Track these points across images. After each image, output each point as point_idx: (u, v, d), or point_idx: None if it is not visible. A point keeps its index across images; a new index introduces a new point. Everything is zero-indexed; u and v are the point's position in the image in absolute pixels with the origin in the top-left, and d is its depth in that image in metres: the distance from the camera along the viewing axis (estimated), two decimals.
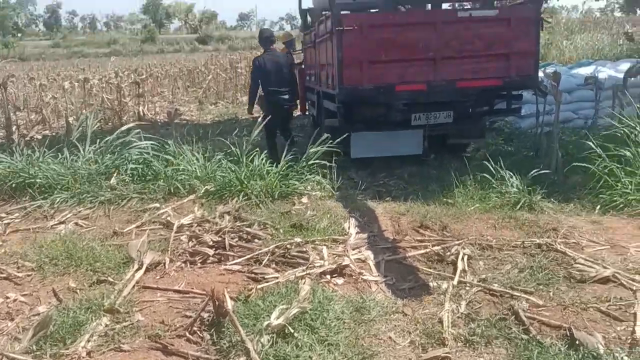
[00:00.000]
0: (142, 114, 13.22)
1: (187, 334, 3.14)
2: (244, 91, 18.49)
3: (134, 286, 3.74)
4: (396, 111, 6.82)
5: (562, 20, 22.15)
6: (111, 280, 3.87)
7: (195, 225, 4.82)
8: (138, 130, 6.96)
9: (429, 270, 3.95)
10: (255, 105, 8.06)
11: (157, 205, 5.43)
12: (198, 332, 3.17)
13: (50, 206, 5.56)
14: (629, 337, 2.96)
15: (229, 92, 18.34)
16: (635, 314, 3.18)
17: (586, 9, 44.15)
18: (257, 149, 6.40)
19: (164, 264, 4.10)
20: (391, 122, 6.97)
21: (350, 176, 6.94)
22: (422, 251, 4.25)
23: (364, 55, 6.40)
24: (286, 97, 7.54)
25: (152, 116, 13.62)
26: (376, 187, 6.58)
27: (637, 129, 5.77)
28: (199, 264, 4.11)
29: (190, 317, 3.30)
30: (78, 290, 3.75)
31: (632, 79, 7.96)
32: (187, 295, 3.65)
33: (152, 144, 6.51)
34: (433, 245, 4.32)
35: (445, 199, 5.60)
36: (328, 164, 6.21)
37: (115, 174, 6.08)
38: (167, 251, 4.29)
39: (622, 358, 2.77)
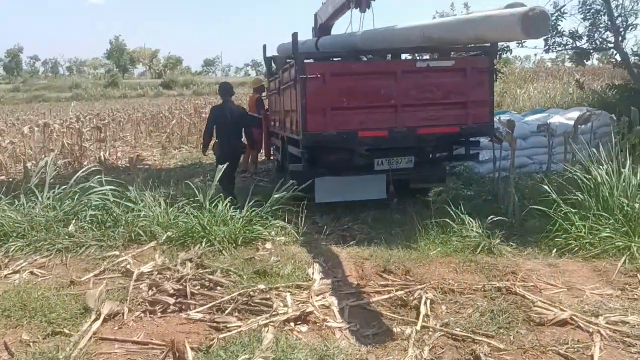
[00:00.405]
0: (103, 159, 13.01)
1: None
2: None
3: (91, 338, 3.60)
4: (359, 157, 6.95)
5: (517, 70, 23.23)
6: (67, 332, 3.72)
7: (156, 273, 4.73)
8: (99, 175, 6.86)
9: (393, 315, 3.96)
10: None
11: (117, 253, 5.31)
12: None
13: (4, 255, 5.37)
14: None
15: (194, 137, 18.30)
16: (592, 356, 3.25)
17: (538, 60, 46.54)
18: (221, 194, 6.38)
19: (123, 314, 3.98)
20: (355, 168, 7.09)
21: (315, 221, 6.96)
22: (386, 296, 4.27)
23: (327, 103, 6.56)
24: (235, 144, 7.87)
25: (114, 161, 13.42)
26: (341, 232, 6.60)
27: (589, 174, 6.01)
28: (159, 314, 4.01)
29: None
30: (32, 343, 3.58)
31: (582, 126, 8.37)
32: (147, 346, 3.54)
33: (112, 189, 6.41)
34: (397, 290, 4.34)
35: (408, 244, 5.66)
36: (293, 209, 6.23)
37: (74, 221, 5.94)
38: (126, 301, 4.18)
39: None
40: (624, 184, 5.65)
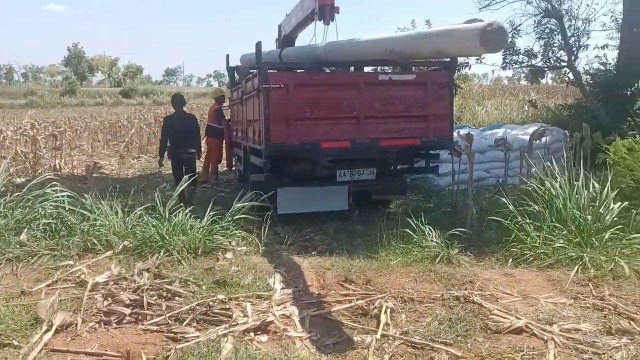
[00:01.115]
0: (59, 167, 12.63)
1: None
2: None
3: (41, 349, 3.46)
4: (322, 167, 6.98)
5: (475, 87, 23.88)
6: (16, 343, 3.55)
7: (112, 283, 4.59)
8: (53, 183, 6.64)
9: (354, 324, 3.96)
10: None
11: (71, 262, 5.13)
12: None
13: None
14: None
15: (153, 146, 17.96)
16: None
17: (496, 77, 48.03)
18: (181, 204, 6.28)
19: (76, 324, 3.83)
20: (317, 178, 7.11)
21: (277, 231, 6.92)
22: (347, 305, 4.27)
23: (290, 113, 6.58)
24: (189, 151, 8.27)
25: (69, 170, 13.04)
26: (302, 243, 6.59)
27: (543, 187, 6.21)
28: (114, 324, 3.89)
29: None
30: None
31: (537, 141, 8.66)
32: (100, 357, 3.43)
33: (68, 196, 6.22)
34: (357, 299, 4.35)
35: (369, 254, 5.70)
36: (255, 218, 6.19)
37: (25, 230, 5.72)
38: (79, 311, 4.03)
39: None
40: (576, 196, 5.85)
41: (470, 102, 18.76)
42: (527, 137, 8.82)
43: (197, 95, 50.81)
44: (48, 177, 7.27)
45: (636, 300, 4.27)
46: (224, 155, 11.57)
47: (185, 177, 6.88)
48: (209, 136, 11.27)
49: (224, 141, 11.16)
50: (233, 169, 11.18)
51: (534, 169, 7.47)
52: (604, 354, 3.45)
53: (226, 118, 11.09)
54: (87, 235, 5.61)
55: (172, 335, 3.73)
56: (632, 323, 3.86)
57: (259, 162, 7.25)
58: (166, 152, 8.28)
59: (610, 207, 5.68)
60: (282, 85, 6.54)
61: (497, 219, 5.95)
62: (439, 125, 7.03)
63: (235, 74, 10.26)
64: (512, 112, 17.61)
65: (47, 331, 3.68)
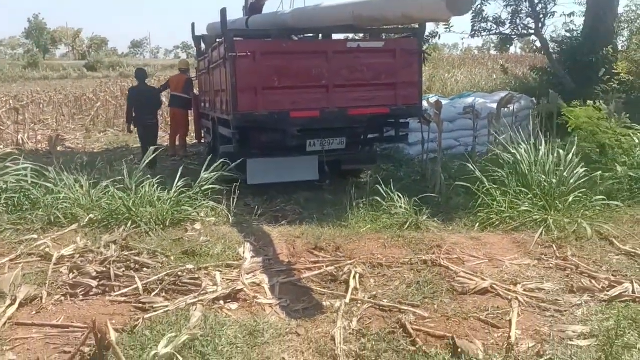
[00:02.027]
0: (21, 141, 12.27)
1: None
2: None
3: (5, 323, 3.39)
4: (291, 137, 6.92)
5: (445, 57, 23.93)
6: None
7: (78, 256, 4.51)
8: (15, 157, 6.44)
9: (323, 290, 3.99)
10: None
11: (35, 236, 5.01)
12: None
13: None
14: (505, 343, 3.17)
15: (120, 119, 17.55)
16: (510, 321, 3.41)
17: (466, 47, 48.23)
18: (148, 176, 6.17)
19: (41, 298, 3.76)
20: (287, 148, 7.07)
21: (247, 202, 6.88)
22: (317, 272, 4.30)
23: (258, 82, 6.48)
24: (151, 119, 9.43)
25: (33, 145, 12.67)
26: (273, 213, 6.58)
27: (509, 153, 6.30)
28: (80, 297, 3.83)
29: (70, 352, 3.05)
30: None
31: (505, 109, 8.75)
32: (67, 330, 3.38)
33: (31, 168, 6.03)
34: (327, 266, 4.38)
35: (339, 222, 5.72)
36: (224, 189, 6.13)
37: None
38: (44, 284, 3.95)
39: None
40: (541, 161, 5.96)
41: (441, 71, 18.82)
42: (496, 105, 8.90)
43: (164, 67, 49.62)
44: (9, 151, 7.04)
45: (597, 260, 4.41)
46: (192, 128, 11.40)
47: (151, 148, 6.81)
48: (174, 106, 11.00)
49: (189, 112, 10.97)
50: (202, 141, 11.03)
51: (502, 137, 7.57)
52: (565, 311, 3.56)
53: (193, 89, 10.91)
54: (51, 208, 5.48)
55: (140, 305, 3.69)
56: (592, 281, 3.98)
57: (227, 133, 7.15)
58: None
59: (575, 171, 5.80)
60: (249, 54, 6.41)
61: (465, 184, 6.02)
62: (408, 93, 7.02)
63: (202, 44, 10.03)
64: (482, 81, 17.74)
65: (10, 305, 3.60)
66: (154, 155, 6.76)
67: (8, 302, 3.64)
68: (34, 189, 5.79)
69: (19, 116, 13.69)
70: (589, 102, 7.78)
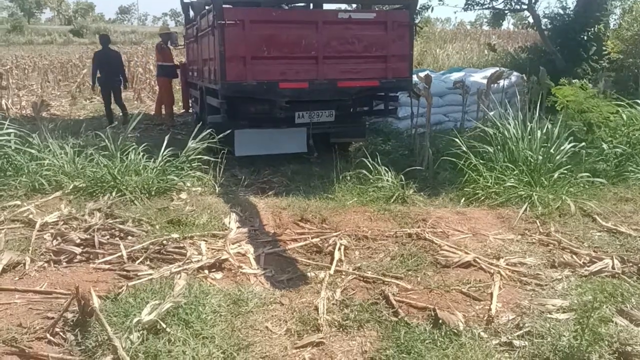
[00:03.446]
0: (5, 107, 12.04)
1: (49, 335, 2.90)
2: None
3: None
4: (280, 109, 6.85)
5: (437, 31, 23.72)
6: None
7: (62, 223, 4.47)
8: None
9: (308, 261, 4.01)
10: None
11: (18, 202, 4.96)
12: (61, 334, 2.94)
13: None
14: (485, 315, 3.22)
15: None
16: (492, 294, 3.46)
17: (458, 22, 47.78)
18: (134, 144, 6.11)
19: (24, 264, 3.74)
20: (275, 120, 7.00)
21: (234, 173, 6.85)
22: (302, 243, 4.31)
23: (247, 51, 6.37)
24: (115, 81, 10.33)
25: (17, 110, 12.44)
26: (260, 184, 6.55)
27: (497, 129, 6.31)
28: (64, 264, 3.81)
29: (53, 318, 3.05)
30: None
31: (494, 85, 8.72)
32: (50, 296, 3.37)
33: (13, 131, 5.93)
34: (312, 238, 4.39)
35: (326, 194, 5.73)
36: (211, 159, 6.09)
37: None
38: (27, 250, 3.93)
39: (479, 334, 3.01)
40: (529, 137, 5.98)
41: (432, 45, 18.66)
42: (485, 81, 8.86)
43: (152, 34, 48.72)
44: None
45: (580, 236, 4.46)
46: (179, 97, 11.27)
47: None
48: (159, 76, 10.88)
49: (172, 80, 10.84)
50: (190, 110, 10.91)
51: (491, 113, 7.56)
52: (546, 285, 3.62)
53: (172, 55, 10.79)
54: (35, 175, 5.42)
55: (124, 273, 3.69)
56: (574, 257, 4.04)
57: (215, 102, 7.06)
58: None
59: (561, 148, 5.83)
60: (238, 22, 6.28)
61: (453, 159, 6.04)
62: (398, 66, 6.95)
63: (190, 10, 9.81)
64: (473, 57, 17.63)
65: None
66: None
67: None
68: (18, 155, 5.70)
69: (3, 81, 13.39)
70: (575, 81, 7.78)
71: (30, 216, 4.60)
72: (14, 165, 5.62)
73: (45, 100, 10.95)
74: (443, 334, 2.97)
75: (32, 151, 5.77)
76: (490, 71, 10.31)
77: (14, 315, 3.14)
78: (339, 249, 4.08)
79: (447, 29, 36.74)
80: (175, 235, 4.23)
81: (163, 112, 10.89)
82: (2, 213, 4.72)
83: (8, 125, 6.19)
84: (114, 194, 5.13)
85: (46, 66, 21.08)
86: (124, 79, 10.66)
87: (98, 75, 10.18)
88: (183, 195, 5.34)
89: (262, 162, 7.34)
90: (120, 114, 10.80)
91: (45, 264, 3.79)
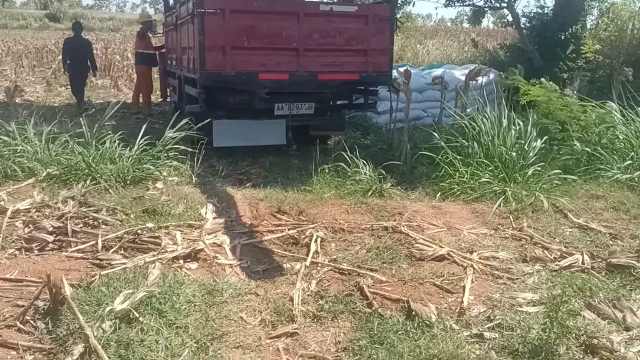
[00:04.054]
0: None
1: (18, 323, 2.87)
2: (100, 74, 17.30)
3: None
4: (259, 100, 6.82)
5: (418, 26, 23.85)
6: None
7: (34, 210, 4.40)
8: None
9: (284, 252, 4.02)
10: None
11: None
12: (31, 322, 2.91)
13: None
14: (458, 307, 3.27)
15: None
16: (464, 287, 3.52)
17: (439, 19, 48.13)
18: (110, 132, 6.02)
19: None
20: (254, 111, 6.96)
21: (212, 164, 6.81)
22: (279, 235, 4.31)
23: (227, 41, 6.32)
24: (83, 67, 10.52)
25: None
26: (237, 175, 6.54)
27: (474, 125, 6.38)
28: (36, 252, 3.76)
29: (23, 306, 3.00)
30: None
31: (473, 82, 8.81)
32: (21, 283, 3.32)
33: None
34: (289, 229, 4.40)
35: (304, 187, 5.74)
36: (188, 149, 6.04)
37: None
38: None
39: (451, 325, 3.06)
40: (504, 134, 6.06)
41: (413, 41, 18.75)
42: (464, 77, 8.95)
43: (131, 22, 47.94)
44: None
45: (551, 231, 4.55)
46: (158, 86, 11.13)
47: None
48: (138, 64, 10.73)
49: (151, 69, 10.70)
50: (168, 99, 10.79)
51: (469, 109, 7.64)
52: (517, 279, 3.69)
53: (153, 44, 10.64)
54: (7, 161, 5.31)
55: (97, 262, 3.65)
56: (545, 252, 4.12)
57: (194, 92, 6.99)
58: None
59: (534, 145, 5.93)
60: (218, 11, 6.23)
61: (430, 154, 6.09)
62: (378, 60, 6.98)
63: None
64: (453, 53, 17.77)
65: None
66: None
67: None
68: None
69: None
70: (543, 80, 7.89)
71: (2, 203, 4.52)
72: None
73: (19, 85, 10.71)
74: (416, 325, 3.01)
75: (5, 138, 5.64)
76: (469, 68, 10.41)
77: None
78: (316, 240, 4.10)
79: (428, 24, 36.98)
80: (150, 225, 4.20)
81: (141, 100, 10.74)
82: None
83: None
84: (88, 182, 5.06)
85: (20, 51, 20.63)
86: (92, 67, 10.78)
87: (68, 62, 10.50)
88: (159, 185, 5.29)
89: (241, 153, 7.31)
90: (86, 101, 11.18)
91: (17, 252, 3.74)
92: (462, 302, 3.31)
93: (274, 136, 7.31)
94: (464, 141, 6.13)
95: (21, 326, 2.86)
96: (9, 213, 4.25)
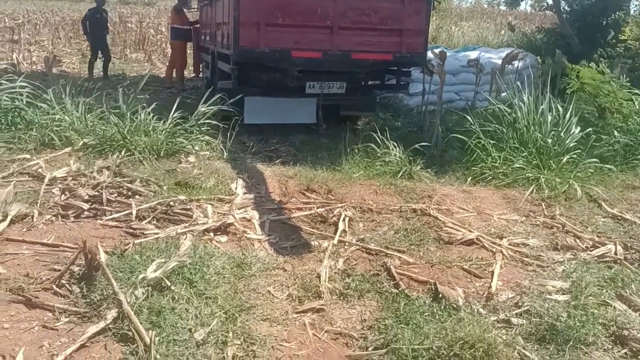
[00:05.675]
0: (16, 61, 12.00)
1: (55, 287, 2.96)
2: (134, 48, 17.50)
3: None
4: (291, 78, 6.81)
5: (454, 7, 23.35)
6: None
7: (70, 178, 4.52)
8: (10, 75, 6.32)
9: (312, 230, 4.05)
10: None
11: (28, 156, 5.00)
12: (67, 286, 3.00)
13: None
14: (485, 292, 3.26)
15: (117, 47, 17.20)
16: (493, 272, 3.49)
17: (475, 0, 46.91)
18: (144, 104, 6.10)
19: (32, 216, 3.79)
20: (286, 89, 6.96)
21: (242, 140, 6.86)
22: (307, 212, 4.34)
23: (262, 17, 6.30)
24: (102, 34, 11.33)
25: (28, 65, 12.41)
26: (267, 152, 6.57)
27: (509, 109, 6.26)
28: (72, 218, 3.86)
29: (59, 270, 3.10)
30: None
31: (509, 66, 8.62)
32: (57, 248, 3.42)
33: (26, 85, 5.94)
34: (317, 208, 4.42)
35: (333, 166, 5.74)
36: (220, 124, 6.09)
37: None
38: (36, 203, 3.97)
39: (478, 310, 3.05)
40: (540, 120, 5.93)
41: (448, 22, 18.38)
42: (500, 61, 8.77)
43: None
44: (4, 66, 6.90)
45: (584, 220, 4.47)
46: (190, 61, 11.20)
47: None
48: (173, 39, 10.79)
49: (186, 44, 10.75)
50: (200, 75, 10.85)
51: (503, 94, 7.48)
52: (547, 267, 3.64)
53: (190, 19, 10.66)
54: (45, 130, 5.45)
55: (131, 231, 3.74)
56: (577, 241, 4.06)
57: (226, 68, 7.02)
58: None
59: (571, 132, 5.80)
60: None
61: (462, 137, 6.01)
62: (413, 40, 6.87)
63: None
64: (489, 36, 17.37)
65: (1, 221, 3.63)
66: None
67: None
68: (29, 109, 5.71)
69: (14, 35, 13.34)
70: (592, 65, 7.67)
71: (40, 170, 4.65)
72: (25, 119, 5.63)
73: (57, 55, 10.92)
74: (442, 307, 3.01)
75: (44, 106, 5.78)
76: (505, 51, 10.18)
77: (21, 265, 3.20)
78: (344, 220, 4.11)
79: (464, 6, 36.13)
80: (182, 197, 4.26)
81: (174, 75, 10.84)
82: (12, 165, 4.77)
83: (21, 80, 6.20)
84: (122, 153, 5.16)
85: (57, 22, 20.93)
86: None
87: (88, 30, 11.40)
88: (191, 159, 5.36)
89: (270, 130, 7.34)
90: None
91: (53, 218, 3.84)
92: (490, 287, 3.30)
93: (304, 115, 7.31)
94: (497, 126, 6.02)
95: (57, 289, 2.95)
96: (46, 180, 4.36)
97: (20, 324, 2.66)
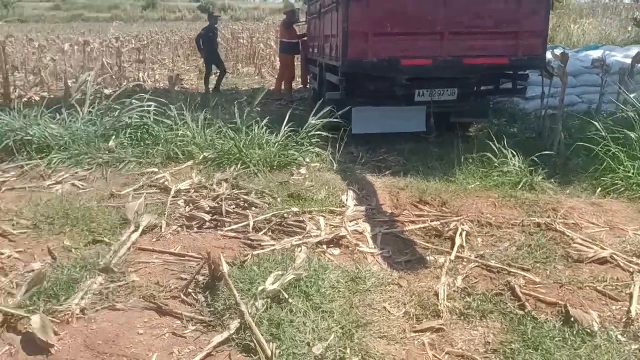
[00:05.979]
0: (142, 80, 13.08)
1: (182, 295, 3.13)
2: (245, 62, 18.32)
3: (129, 247, 3.71)
4: (400, 87, 6.72)
5: (572, 4, 21.84)
6: (107, 240, 3.84)
7: (193, 191, 4.79)
8: (139, 94, 6.87)
9: (427, 244, 3.93)
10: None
11: (155, 170, 5.38)
12: (193, 294, 3.16)
13: (47, 166, 5.53)
14: (624, 317, 2.96)
15: (230, 62, 18.15)
16: (631, 294, 3.16)
17: None
18: (258, 118, 6.33)
19: (161, 227, 4.06)
20: (394, 98, 6.88)
21: (350, 150, 6.86)
22: (421, 226, 4.22)
23: (370, 27, 6.28)
24: (212, 50, 12.22)
25: (152, 83, 13.46)
26: (376, 162, 6.51)
27: None
28: (195, 229, 4.09)
29: (186, 279, 3.28)
30: (73, 249, 3.71)
31: (639, 65, 7.85)
32: (183, 258, 3.63)
33: (154, 104, 6.42)
34: (432, 221, 4.28)
35: (445, 176, 5.54)
36: (329, 135, 6.15)
37: (113, 137, 6.02)
38: (164, 215, 4.26)
39: (616, 336, 2.77)
40: None
41: (566, 20, 17.20)
42: (629, 61, 8.02)
43: (274, 11, 50.08)
44: (134, 86, 7.51)
45: None
46: (298, 73, 11.49)
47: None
48: (282, 52, 11.17)
49: (295, 57, 11.06)
50: (308, 86, 11.09)
51: (633, 95, 6.83)
52: None
53: (297, 33, 10.94)
54: (170, 145, 5.83)
55: (249, 242, 3.87)
56: None
57: (335, 79, 7.09)
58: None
59: None
60: None
61: (588, 145, 5.56)
62: (531, 43, 6.48)
63: None
64: (613, 33, 15.99)
65: (135, 231, 3.92)
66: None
67: (132, 228, 3.96)
68: (156, 126, 6.16)
69: (140, 55, 14.52)
70: None
71: (166, 183, 4.98)
72: (152, 135, 6.08)
73: (179, 74, 11.72)
74: (575, 333, 2.77)
75: (169, 122, 6.20)
76: (634, 50, 9.29)
77: (152, 274, 3.42)
78: (461, 234, 3.95)
79: (583, 1, 33.71)
80: (295, 209, 4.34)
81: (283, 88, 11.20)
82: (142, 179, 5.15)
83: (146, 97, 6.71)
84: (239, 166, 5.39)
85: (177, 42, 22.49)
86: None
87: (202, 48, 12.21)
88: (303, 171, 5.46)
89: (378, 139, 7.28)
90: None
91: (179, 229, 4.09)
92: (629, 311, 2.99)
93: (413, 123, 7.17)
94: (628, 132, 5.49)
95: (184, 298, 3.12)
96: (172, 193, 4.66)
97: (153, 330, 2.83)
